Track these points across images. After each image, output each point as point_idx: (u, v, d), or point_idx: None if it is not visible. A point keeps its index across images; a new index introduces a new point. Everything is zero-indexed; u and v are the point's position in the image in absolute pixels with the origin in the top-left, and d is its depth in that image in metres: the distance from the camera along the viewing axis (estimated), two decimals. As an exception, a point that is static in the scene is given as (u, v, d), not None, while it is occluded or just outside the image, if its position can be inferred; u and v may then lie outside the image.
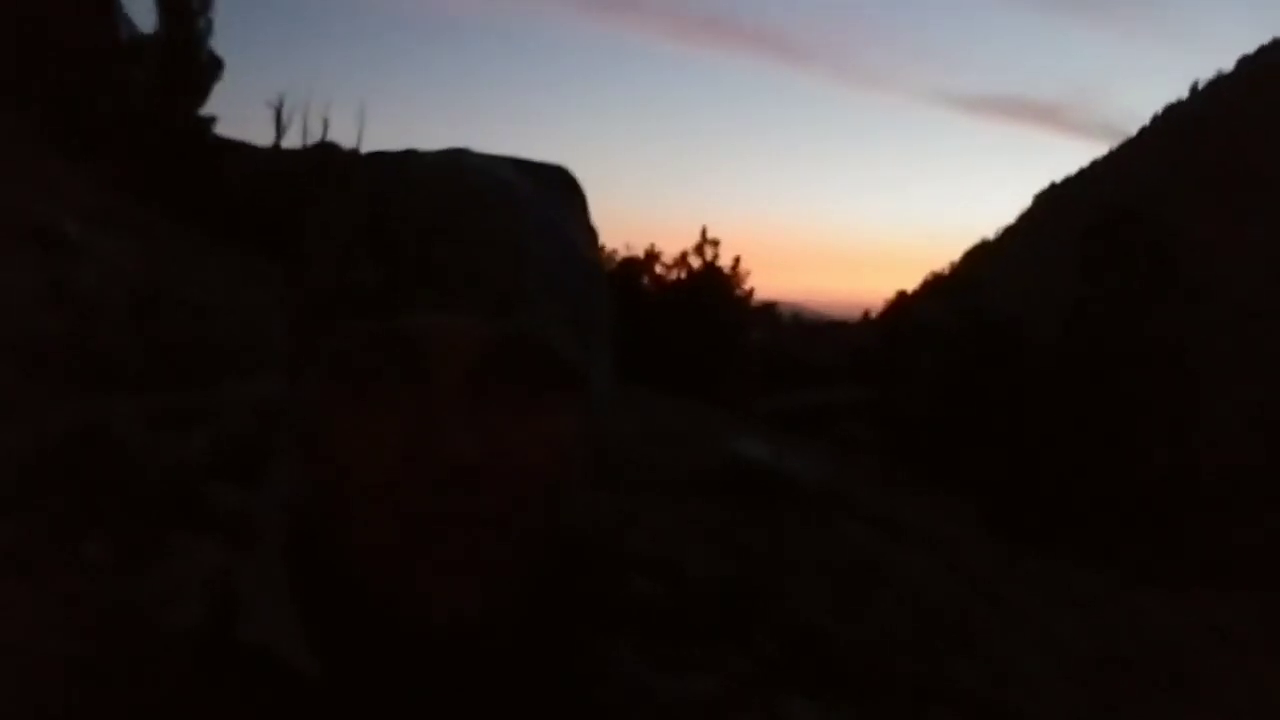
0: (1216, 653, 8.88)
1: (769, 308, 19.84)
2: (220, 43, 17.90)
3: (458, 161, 0.67)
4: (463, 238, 0.63)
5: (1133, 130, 35.73)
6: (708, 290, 17.13)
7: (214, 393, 6.50)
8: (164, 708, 0.64)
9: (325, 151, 19.60)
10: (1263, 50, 31.58)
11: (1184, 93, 34.87)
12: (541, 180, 0.70)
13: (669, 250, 17.72)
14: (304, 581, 0.68)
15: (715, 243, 17.73)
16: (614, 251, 17.50)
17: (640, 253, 17.88)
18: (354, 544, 0.63)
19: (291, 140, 15.69)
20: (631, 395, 10.13)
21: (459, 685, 0.65)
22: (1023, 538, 10.52)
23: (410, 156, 0.68)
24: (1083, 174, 35.77)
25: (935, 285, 28.64)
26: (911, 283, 27.68)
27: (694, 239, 17.84)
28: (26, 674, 0.67)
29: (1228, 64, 33.30)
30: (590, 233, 0.74)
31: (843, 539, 6.84)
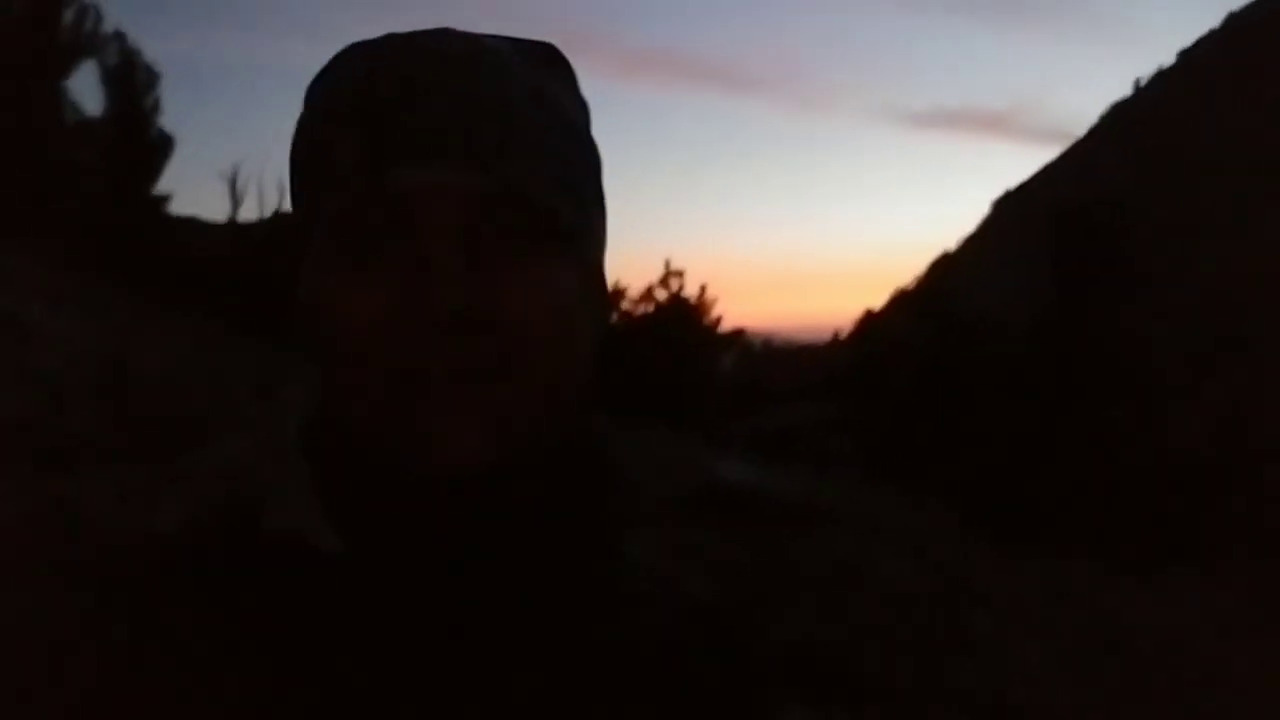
0: (1209, 637, 8.89)
1: (738, 335, 19.86)
2: (172, 117, 17.91)
3: (442, 34, 0.67)
4: (446, 97, 0.63)
5: (1081, 131, 36.21)
6: (676, 322, 17.16)
7: (183, 461, 6.44)
8: (199, 591, 0.65)
9: (283, 220, 19.59)
10: (1200, 42, 32.17)
11: (1128, 90, 35.44)
12: (529, 53, 0.70)
13: (634, 286, 17.79)
14: (320, 460, 0.68)
15: (680, 274, 17.78)
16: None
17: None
18: (359, 402, 0.64)
19: (248, 211, 15.64)
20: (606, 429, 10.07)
21: (471, 543, 0.65)
22: (1006, 536, 10.54)
23: (394, 36, 0.68)
24: (1038, 177, 36.17)
25: (903, 299, 28.76)
26: (879, 300, 27.82)
27: (658, 273, 17.93)
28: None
29: (1168, 59, 33.88)
30: (580, 103, 0.73)
31: (830, 548, 6.83)
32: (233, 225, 15.68)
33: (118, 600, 0.64)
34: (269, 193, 15.37)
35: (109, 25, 13.92)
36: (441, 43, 0.66)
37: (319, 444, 0.69)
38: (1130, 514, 11.67)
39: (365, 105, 0.64)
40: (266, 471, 0.70)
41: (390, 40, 0.67)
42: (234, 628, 0.64)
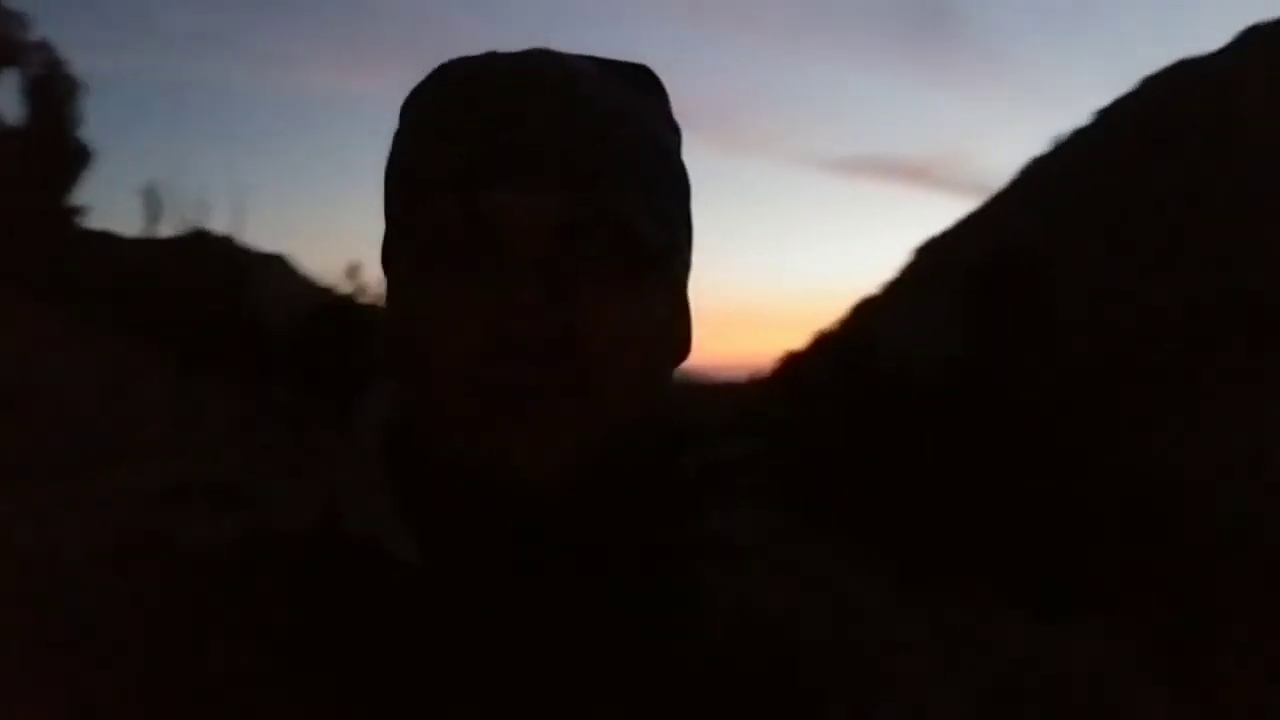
0: (1117, 685, 9.05)
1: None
2: (93, 131, 17.47)
3: (539, 56, 0.69)
4: (543, 122, 0.65)
5: (1000, 185, 37.18)
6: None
7: (89, 483, 6.23)
8: (281, 594, 0.67)
9: (201, 239, 19.18)
10: (1116, 103, 33.32)
11: (1045, 147, 36.45)
12: (624, 75, 0.71)
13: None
14: (400, 470, 0.71)
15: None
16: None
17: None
18: (441, 417, 0.66)
19: (167, 228, 15.37)
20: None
21: (545, 559, 0.67)
22: (920, 579, 10.65)
23: (492, 56, 0.70)
24: (956, 228, 37.02)
25: (824, 341, 29.13)
26: (800, 341, 28.15)
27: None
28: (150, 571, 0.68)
29: (1084, 117, 34.98)
30: (673, 128, 0.75)
31: (746, 592, 6.82)
32: (148, 241, 15.38)
33: (199, 599, 0.66)
34: (188, 209, 15.11)
35: (35, 34, 13.62)
36: (538, 65, 0.68)
37: (399, 452, 0.72)
38: (1043, 559, 11.88)
39: (462, 125, 0.66)
40: (350, 477, 0.72)
41: (488, 60, 0.69)
42: (310, 629, 0.66)
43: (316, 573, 0.69)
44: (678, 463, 0.77)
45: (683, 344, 0.75)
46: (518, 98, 0.66)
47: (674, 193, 0.73)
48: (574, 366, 0.64)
